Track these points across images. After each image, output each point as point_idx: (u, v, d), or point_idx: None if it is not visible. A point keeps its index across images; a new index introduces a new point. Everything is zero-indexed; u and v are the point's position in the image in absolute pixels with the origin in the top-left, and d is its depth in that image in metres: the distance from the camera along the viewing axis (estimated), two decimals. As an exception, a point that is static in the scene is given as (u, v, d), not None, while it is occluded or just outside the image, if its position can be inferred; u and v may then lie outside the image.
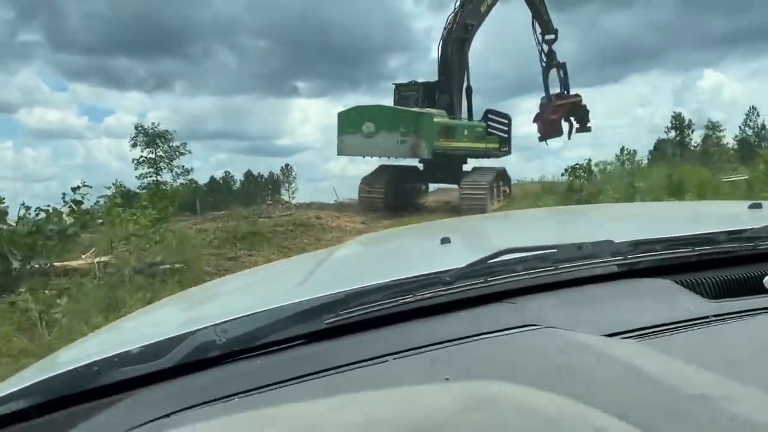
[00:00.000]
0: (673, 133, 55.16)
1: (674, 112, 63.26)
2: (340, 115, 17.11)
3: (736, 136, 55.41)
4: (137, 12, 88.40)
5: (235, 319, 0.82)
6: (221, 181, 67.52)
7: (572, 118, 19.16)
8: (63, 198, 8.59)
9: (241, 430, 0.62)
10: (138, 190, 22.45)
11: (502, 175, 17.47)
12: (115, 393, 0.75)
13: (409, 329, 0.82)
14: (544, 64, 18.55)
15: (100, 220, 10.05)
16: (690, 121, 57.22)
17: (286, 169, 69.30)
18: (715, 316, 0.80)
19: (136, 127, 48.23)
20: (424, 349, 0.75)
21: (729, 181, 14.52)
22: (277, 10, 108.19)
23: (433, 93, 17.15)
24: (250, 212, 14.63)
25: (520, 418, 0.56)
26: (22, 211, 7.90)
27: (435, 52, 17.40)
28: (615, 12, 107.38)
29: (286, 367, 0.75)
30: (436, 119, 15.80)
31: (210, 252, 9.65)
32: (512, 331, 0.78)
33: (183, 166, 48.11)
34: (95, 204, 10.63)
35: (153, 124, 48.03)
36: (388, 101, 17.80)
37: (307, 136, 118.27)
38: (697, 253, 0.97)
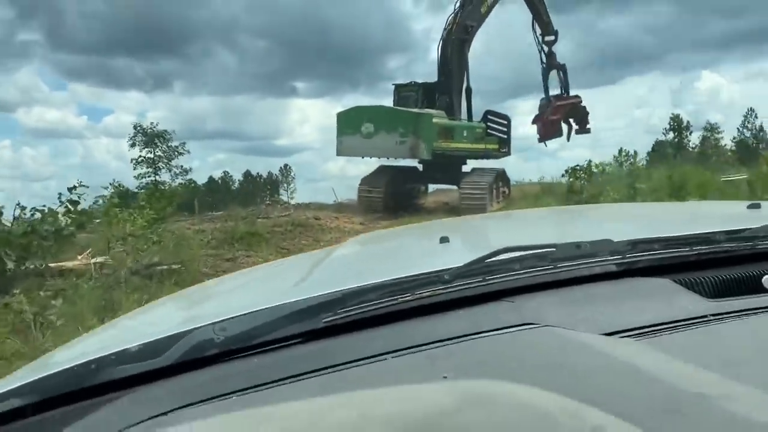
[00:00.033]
0: (671, 135, 55.35)
1: (672, 114, 63.45)
2: (340, 115, 17.12)
3: (734, 138, 55.66)
4: (136, 12, 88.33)
5: (233, 317, 0.82)
6: (220, 181, 67.41)
7: (572, 120, 19.18)
8: (59, 198, 8.56)
9: (238, 428, 0.62)
10: (136, 190, 22.45)
11: (501, 176, 17.49)
12: (113, 391, 0.75)
13: (408, 328, 0.82)
14: (543, 66, 18.57)
15: (98, 220, 10.01)
16: (688, 122, 57.55)
17: (285, 170, 69.28)
18: (713, 315, 0.80)
19: (134, 127, 48.63)
20: (422, 348, 0.75)
21: (728, 180, 14.56)
22: (277, 10, 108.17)
23: (433, 94, 17.16)
24: (248, 212, 14.65)
25: (519, 417, 0.56)
26: (18, 211, 7.85)
27: (434, 53, 17.51)
28: (614, 14, 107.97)
29: (284, 365, 0.74)
30: (435, 120, 15.81)
31: (208, 253, 9.62)
32: (511, 329, 0.78)
33: (181, 166, 48.45)
34: (93, 204, 10.63)
35: (152, 123, 48.48)
36: (388, 102, 17.84)
37: (306, 136, 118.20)
38: (696, 252, 0.97)
